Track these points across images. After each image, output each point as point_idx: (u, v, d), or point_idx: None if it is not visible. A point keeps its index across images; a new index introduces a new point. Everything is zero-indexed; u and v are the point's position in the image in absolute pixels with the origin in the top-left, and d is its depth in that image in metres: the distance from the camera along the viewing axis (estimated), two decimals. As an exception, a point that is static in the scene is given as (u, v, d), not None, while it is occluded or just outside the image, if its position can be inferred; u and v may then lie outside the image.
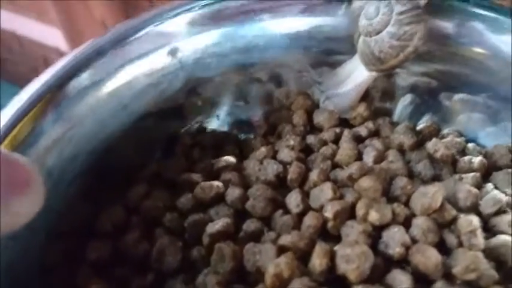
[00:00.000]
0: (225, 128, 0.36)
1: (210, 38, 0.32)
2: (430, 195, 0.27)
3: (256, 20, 0.32)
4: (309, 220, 0.26)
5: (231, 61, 0.33)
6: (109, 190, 0.29)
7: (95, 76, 0.28)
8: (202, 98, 0.33)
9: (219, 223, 0.26)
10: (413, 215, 0.27)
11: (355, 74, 0.34)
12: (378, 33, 0.30)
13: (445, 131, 0.35)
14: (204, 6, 0.32)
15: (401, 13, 0.29)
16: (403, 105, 0.37)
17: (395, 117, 0.37)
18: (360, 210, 0.26)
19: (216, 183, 0.29)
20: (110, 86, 0.28)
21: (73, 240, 0.27)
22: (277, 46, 0.35)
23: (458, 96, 0.35)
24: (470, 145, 0.33)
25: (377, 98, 0.37)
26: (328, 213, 0.26)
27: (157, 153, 0.32)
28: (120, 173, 0.29)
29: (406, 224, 0.27)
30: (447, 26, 0.32)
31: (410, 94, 0.36)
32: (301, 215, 0.27)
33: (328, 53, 0.36)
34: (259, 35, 0.33)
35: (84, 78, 0.27)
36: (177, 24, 0.31)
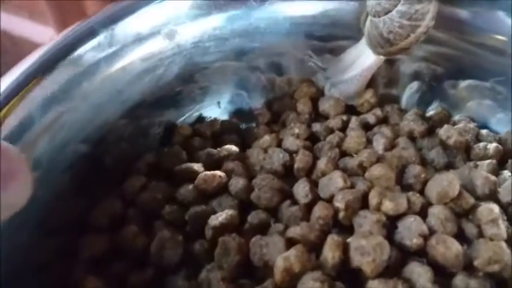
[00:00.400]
0: (225, 117, 0.34)
1: (209, 20, 0.30)
2: (446, 183, 0.25)
3: (259, 3, 0.31)
4: (319, 211, 0.24)
5: (231, 45, 0.31)
6: (104, 181, 0.27)
7: (87, 59, 0.26)
8: (200, 86, 0.32)
9: (222, 215, 0.24)
10: (429, 204, 0.26)
11: (362, 59, 0.32)
12: (387, 12, 0.28)
13: (456, 117, 0.34)
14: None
15: (412, -9, 0.28)
16: (409, 92, 0.36)
17: (403, 105, 0.36)
18: (373, 199, 0.25)
19: (218, 173, 0.27)
20: (103, 70, 0.27)
21: (66, 235, 0.25)
22: (278, 30, 0.33)
23: (465, 83, 0.33)
24: (484, 131, 0.32)
25: (382, 85, 0.35)
26: (339, 203, 0.24)
27: (154, 143, 0.30)
28: (116, 163, 0.27)
29: (422, 213, 0.25)
30: (459, 10, 0.31)
31: (417, 81, 0.35)
32: (310, 206, 0.25)
33: (332, 38, 0.34)
34: (260, 18, 0.32)
35: (76, 60, 0.25)
36: (174, 5, 0.29)
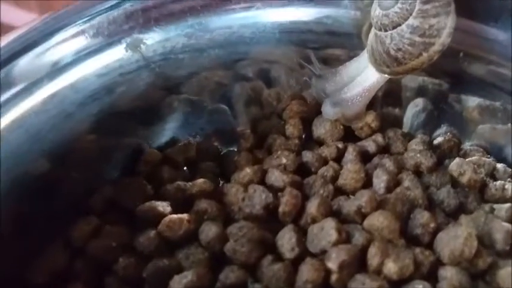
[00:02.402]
0: (202, 139, 0.29)
1: (181, 27, 0.25)
2: (462, 241, 0.21)
3: (243, 8, 0.26)
4: (307, 272, 0.20)
5: (209, 57, 0.27)
6: (47, 224, 0.22)
7: (26, 78, 0.21)
8: (171, 103, 0.27)
9: (188, 276, 0.20)
10: (439, 262, 0.21)
11: (363, 76, 0.28)
12: (396, 26, 0.24)
13: (466, 146, 0.30)
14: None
15: (427, 1, 0.23)
16: (414, 111, 0.32)
17: (405, 125, 0.31)
18: (373, 258, 0.20)
19: (186, 217, 0.22)
20: (47, 89, 0.22)
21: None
22: (266, 39, 0.28)
23: (474, 102, 0.29)
24: (500, 166, 0.28)
25: (382, 101, 0.31)
26: (332, 263, 0.20)
27: (112, 174, 0.25)
28: (62, 201, 0.23)
29: (431, 274, 0.21)
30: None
31: (421, 98, 0.31)
32: (296, 262, 0.21)
33: (327, 49, 0.30)
34: (245, 25, 0.27)
35: (10, 78, 0.20)
36: (139, 8, 0.24)
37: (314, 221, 0.23)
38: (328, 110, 0.28)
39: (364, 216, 0.23)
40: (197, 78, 0.28)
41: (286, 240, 0.22)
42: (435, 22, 0.23)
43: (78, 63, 0.22)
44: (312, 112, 0.30)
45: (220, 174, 0.28)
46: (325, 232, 0.21)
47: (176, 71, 0.26)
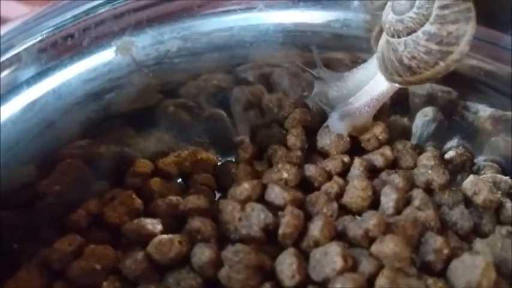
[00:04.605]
0: (198, 149, 0.27)
1: (177, 29, 0.23)
2: (479, 271, 0.19)
3: (243, 9, 0.24)
4: (309, 305, 0.18)
5: (207, 61, 0.25)
6: (22, 242, 0.20)
7: (7, 82, 0.19)
8: (166, 110, 0.25)
9: (177, 306, 0.18)
10: (453, 293, 0.19)
11: (371, 85, 0.26)
12: (411, 33, 0.22)
13: (480, 161, 0.28)
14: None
15: (445, 6, 0.21)
16: (423, 120, 0.30)
17: (414, 136, 0.30)
18: (381, 290, 0.18)
19: (177, 238, 0.20)
20: (28, 95, 0.20)
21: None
22: (269, 43, 0.26)
23: (486, 113, 0.27)
24: (515, 185, 0.26)
25: (389, 109, 0.29)
26: (337, 295, 0.18)
27: (98, 187, 0.23)
28: (41, 216, 0.21)
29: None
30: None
31: (431, 108, 0.29)
32: (296, 291, 0.19)
33: (334, 54, 0.28)
34: (246, 28, 0.25)
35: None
36: (129, 9, 0.22)
37: (317, 244, 0.21)
38: (336, 124, 0.26)
39: (371, 240, 0.21)
40: (193, 83, 0.26)
41: (286, 266, 0.20)
42: (454, 29, 0.21)
43: (61, 67, 0.20)
44: (315, 121, 0.28)
45: (217, 186, 0.26)
46: (329, 258, 0.19)
47: (171, 77, 0.24)
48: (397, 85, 0.25)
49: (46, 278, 0.20)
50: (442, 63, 0.22)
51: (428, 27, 0.22)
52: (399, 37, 0.22)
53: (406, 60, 0.22)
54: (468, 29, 0.22)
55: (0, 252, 0.20)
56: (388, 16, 0.23)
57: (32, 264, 0.20)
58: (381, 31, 0.25)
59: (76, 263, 0.20)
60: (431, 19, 0.21)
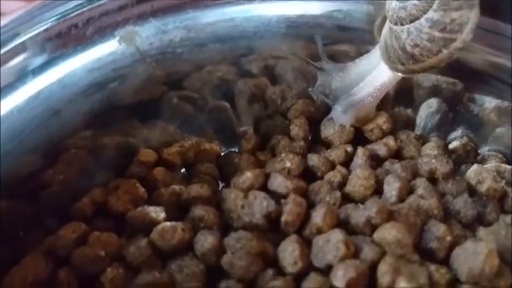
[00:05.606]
0: (201, 139, 0.27)
1: (180, 19, 0.23)
2: (482, 257, 0.19)
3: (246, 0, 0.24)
4: (311, 290, 0.18)
5: (210, 52, 0.25)
6: (27, 230, 0.20)
7: (13, 71, 0.19)
8: (169, 101, 0.25)
9: (180, 292, 0.18)
10: (456, 280, 0.19)
11: (374, 75, 0.26)
12: (414, 20, 0.22)
13: (484, 151, 0.28)
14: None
15: (448, -6, 0.21)
16: (427, 112, 0.30)
17: (418, 127, 0.30)
18: (384, 276, 0.19)
19: (180, 225, 0.21)
20: (32, 86, 0.20)
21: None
22: (271, 34, 0.26)
23: (491, 104, 0.27)
24: (521, 173, 0.25)
25: (393, 100, 0.29)
26: (339, 281, 0.18)
27: (103, 176, 0.23)
28: (46, 205, 0.21)
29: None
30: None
31: (436, 99, 0.29)
32: (299, 278, 0.19)
33: (337, 45, 0.28)
34: (248, 18, 0.25)
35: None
36: (133, 0, 0.22)
37: (319, 231, 0.21)
38: (340, 117, 0.26)
39: (374, 227, 0.21)
40: (197, 74, 0.26)
41: (289, 252, 0.20)
42: (457, 16, 0.21)
43: (66, 57, 0.20)
44: (319, 112, 0.28)
45: (220, 177, 0.26)
46: (331, 245, 0.20)
47: (174, 66, 0.24)
48: (400, 74, 0.25)
49: (51, 265, 0.20)
50: (445, 51, 0.22)
51: (431, 14, 0.21)
52: (402, 25, 0.22)
53: (409, 48, 0.22)
54: (471, 17, 0.21)
55: (6, 240, 0.20)
56: (391, 4, 0.23)
57: (37, 251, 0.20)
58: (383, 20, 0.25)
59: (80, 249, 0.20)
60: (434, 6, 0.21)
